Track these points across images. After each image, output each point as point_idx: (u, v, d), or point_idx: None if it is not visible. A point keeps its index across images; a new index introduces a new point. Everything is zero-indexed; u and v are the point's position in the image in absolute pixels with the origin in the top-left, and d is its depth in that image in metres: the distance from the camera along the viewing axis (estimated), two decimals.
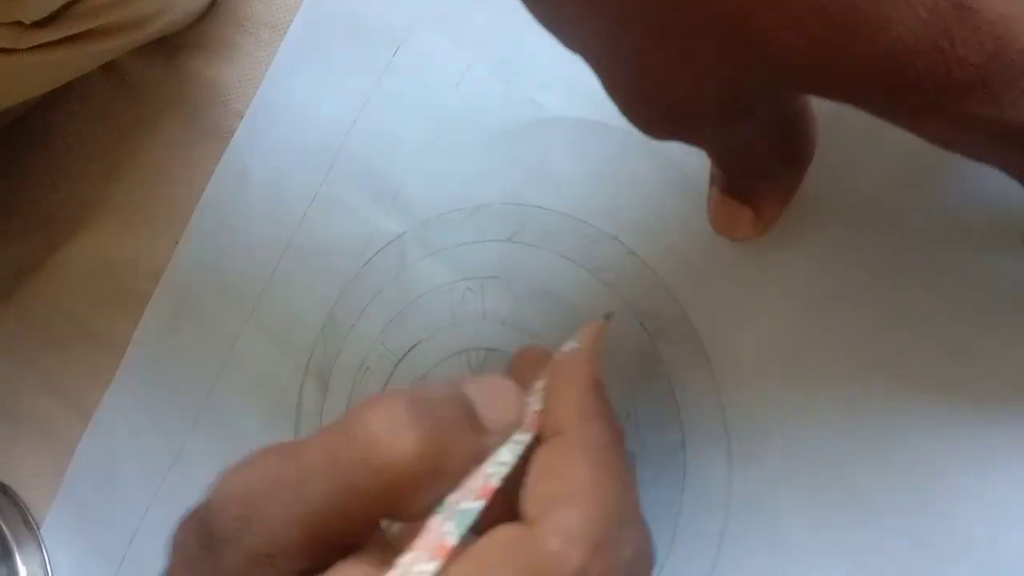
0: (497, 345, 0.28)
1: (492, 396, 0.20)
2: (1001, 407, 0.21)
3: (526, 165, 0.28)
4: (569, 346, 0.22)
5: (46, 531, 0.37)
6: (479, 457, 0.19)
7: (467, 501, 0.18)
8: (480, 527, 0.18)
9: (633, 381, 0.26)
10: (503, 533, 0.18)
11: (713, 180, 0.24)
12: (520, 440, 0.20)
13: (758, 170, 0.22)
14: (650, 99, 0.19)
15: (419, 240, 0.30)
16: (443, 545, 0.17)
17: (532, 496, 0.19)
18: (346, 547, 0.18)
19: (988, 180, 0.22)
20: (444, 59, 0.29)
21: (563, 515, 0.18)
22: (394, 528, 0.19)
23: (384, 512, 0.18)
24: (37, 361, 0.38)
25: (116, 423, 0.36)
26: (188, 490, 0.34)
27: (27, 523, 0.37)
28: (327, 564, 0.18)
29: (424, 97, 0.30)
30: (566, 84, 0.28)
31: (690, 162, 0.25)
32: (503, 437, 0.20)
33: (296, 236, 0.32)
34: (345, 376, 0.30)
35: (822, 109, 0.22)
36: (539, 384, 0.21)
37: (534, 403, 0.21)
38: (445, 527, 0.18)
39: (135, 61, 0.37)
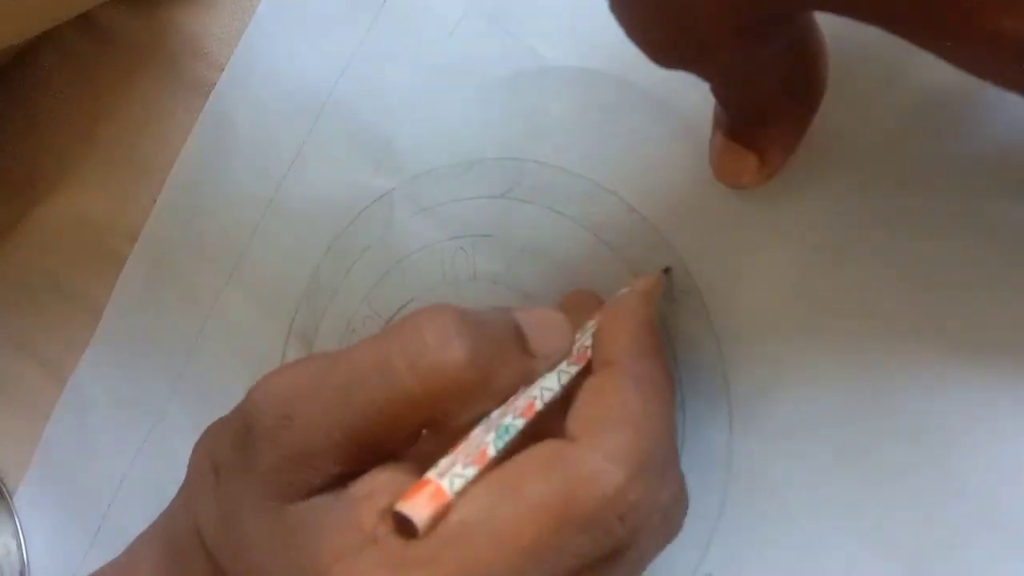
0: (486, 303, 0.27)
1: (542, 324, 0.20)
2: (1014, 367, 0.21)
3: (523, 117, 0.27)
4: (623, 293, 0.22)
5: (19, 499, 0.36)
6: (526, 380, 0.19)
7: (510, 417, 0.18)
8: (520, 447, 0.18)
9: None
10: (545, 446, 0.18)
11: (717, 125, 0.23)
12: (568, 370, 0.20)
13: (765, 109, 0.21)
14: (664, 18, 0.18)
15: (409, 196, 0.29)
16: (483, 454, 0.18)
17: (577, 417, 0.19)
18: (386, 455, 0.18)
19: (1003, 128, 0.22)
20: (438, 5, 0.28)
21: (608, 436, 0.18)
22: (432, 445, 0.19)
23: (428, 420, 0.18)
24: (11, 323, 0.37)
25: (92, 388, 0.35)
26: (166, 457, 0.33)
27: None
28: (365, 470, 0.18)
29: (416, 46, 0.29)
30: (567, 32, 0.26)
31: (693, 113, 0.24)
32: (551, 364, 0.20)
33: (279, 192, 0.31)
34: (330, 338, 0.29)
35: (832, 57, 0.21)
36: (591, 323, 0.21)
37: (585, 339, 0.21)
38: (487, 437, 0.18)
39: (113, 13, 0.36)
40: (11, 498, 0.36)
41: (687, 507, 0.21)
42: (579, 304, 0.22)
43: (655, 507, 0.19)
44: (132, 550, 0.23)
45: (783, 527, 0.22)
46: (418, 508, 0.17)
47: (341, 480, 0.18)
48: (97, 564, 0.24)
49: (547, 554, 0.17)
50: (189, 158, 0.33)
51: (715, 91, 0.21)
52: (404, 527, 0.17)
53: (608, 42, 0.26)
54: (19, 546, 0.36)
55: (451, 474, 0.17)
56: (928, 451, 0.21)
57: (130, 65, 0.35)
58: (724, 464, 0.23)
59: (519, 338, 0.20)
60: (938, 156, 0.22)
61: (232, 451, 0.19)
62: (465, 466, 0.18)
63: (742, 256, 0.24)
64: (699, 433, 0.23)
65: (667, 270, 0.24)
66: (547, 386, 0.19)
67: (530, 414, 0.19)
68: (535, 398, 0.19)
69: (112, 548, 0.31)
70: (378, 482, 0.18)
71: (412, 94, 0.29)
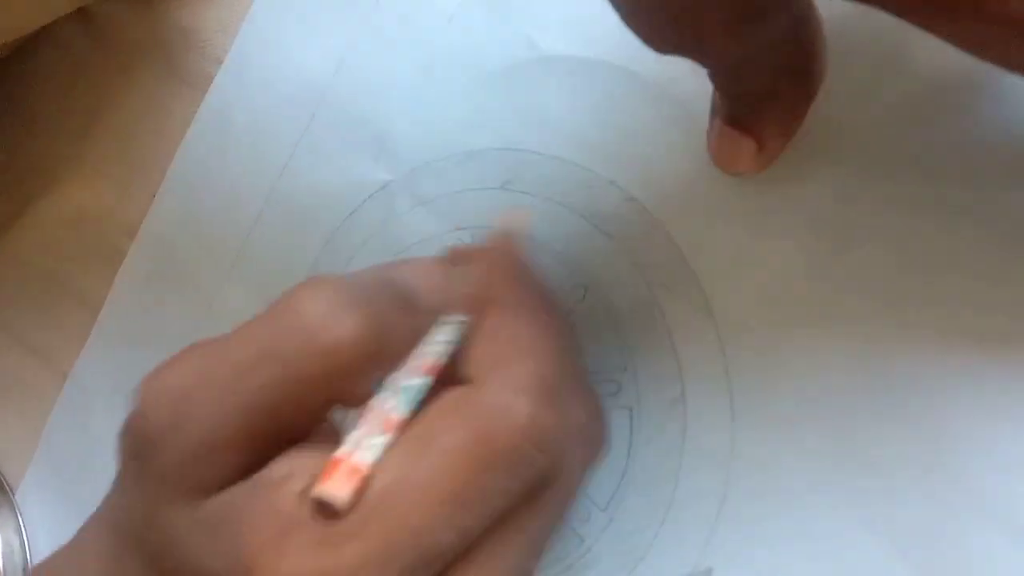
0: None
1: (420, 277, 0.20)
2: (1018, 356, 0.20)
3: (521, 108, 0.27)
4: (490, 234, 0.22)
5: (21, 495, 0.36)
6: (418, 337, 0.19)
7: (411, 378, 0.18)
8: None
9: (631, 333, 0.25)
10: (448, 396, 0.18)
11: (715, 111, 0.23)
12: (459, 319, 0.19)
13: (763, 95, 0.21)
14: (662, 2, 0.18)
15: (407, 189, 0.28)
16: (390, 419, 0.17)
17: (472, 361, 0.19)
18: (292, 439, 0.18)
19: (1003, 113, 0.21)
20: None
21: (507, 370, 0.18)
22: (337, 417, 0.18)
23: (328, 399, 0.18)
24: (11, 320, 0.37)
25: (92, 383, 0.35)
26: None
27: (1, 487, 0.36)
28: (275, 454, 0.18)
29: (413, 37, 0.28)
30: (564, 21, 0.26)
31: (691, 101, 0.24)
32: (436, 316, 0.19)
33: (278, 186, 0.31)
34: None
35: (830, 43, 0.21)
36: (472, 271, 0.20)
37: (467, 287, 0.20)
38: (389, 403, 0.17)
39: (110, 7, 0.35)
40: (13, 494, 0.36)
41: (607, 423, 0.21)
42: (460, 257, 0.22)
43: (571, 429, 0.18)
44: (81, 536, 0.22)
45: (785, 519, 0.22)
46: (337, 488, 0.16)
47: (254, 467, 0.18)
48: None
49: (472, 500, 0.17)
50: (188, 152, 0.33)
51: (713, 77, 0.21)
52: (326, 507, 0.17)
53: (605, 31, 0.26)
54: (22, 542, 0.36)
55: (363, 447, 0.17)
56: (931, 442, 0.21)
57: (127, 59, 0.35)
58: (725, 455, 0.23)
59: (402, 296, 0.19)
60: (937, 142, 0.22)
61: (131, 459, 0.18)
62: (375, 435, 0.17)
63: (742, 244, 0.24)
64: (700, 424, 0.23)
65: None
66: (442, 338, 0.19)
67: (434, 372, 0.18)
68: (433, 353, 0.18)
69: None
70: (294, 462, 0.17)
71: (409, 85, 0.29)
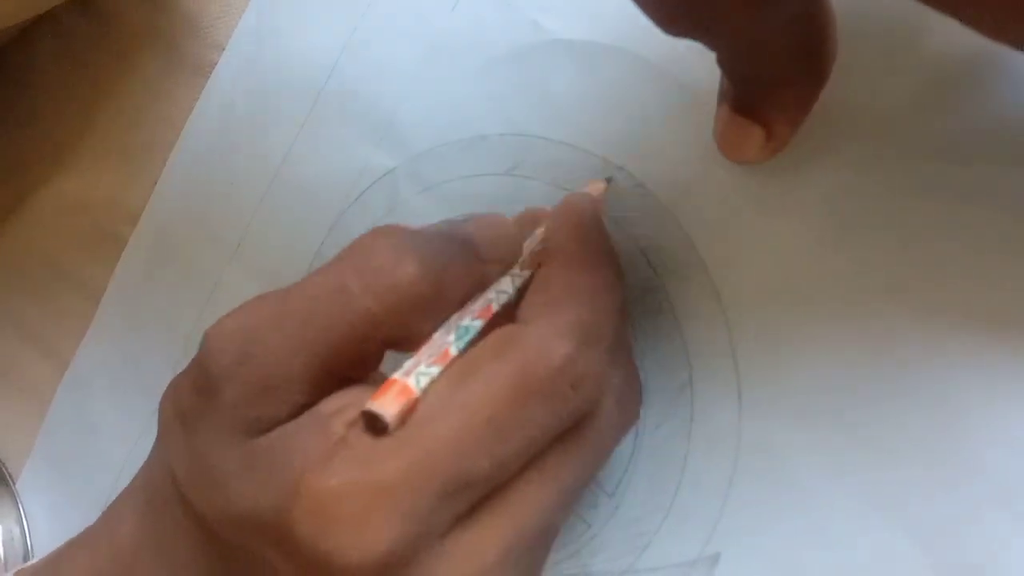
0: None
1: (490, 230, 0.21)
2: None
3: (527, 92, 0.27)
4: (568, 195, 0.23)
5: (22, 485, 0.36)
6: (480, 286, 0.20)
7: (468, 319, 0.19)
8: None
9: (638, 318, 0.24)
10: (497, 333, 0.19)
11: (723, 98, 0.22)
12: (521, 274, 0.21)
13: (773, 80, 0.21)
14: None
15: (412, 174, 0.28)
16: (446, 352, 0.19)
17: (527, 305, 0.20)
18: (349, 381, 0.19)
19: (1014, 98, 0.21)
20: None
21: (554, 315, 0.19)
22: (390, 367, 0.19)
23: (388, 338, 0.19)
24: (11, 309, 0.37)
25: (93, 373, 0.35)
26: None
27: (2, 476, 0.36)
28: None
29: (418, 21, 0.28)
30: (570, 5, 0.26)
31: (699, 86, 0.24)
32: (502, 268, 0.21)
33: (281, 172, 0.30)
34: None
35: (840, 29, 0.21)
36: (539, 229, 0.22)
37: (535, 245, 0.21)
38: (447, 338, 0.19)
39: None
40: (14, 483, 0.36)
41: (641, 397, 0.22)
42: (531, 218, 0.23)
43: (606, 384, 0.19)
44: (113, 507, 0.23)
45: (792, 504, 0.22)
46: (386, 405, 0.17)
47: (307, 411, 0.18)
48: None
49: (508, 426, 0.18)
50: (190, 139, 0.33)
51: (722, 62, 0.21)
52: (374, 428, 0.18)
53: (612, 15, 0.26)
54: (23, 531, 0.36)
55: (416, 373, 0.18)
56: (941, 426, 0.21)
57: (129, 46, 0.35)
58: (733, 440, 0.23)
59: (468, 246, 0.20)
60: (947, 129, 0.22)
61: (194, 396, 0.19)
62: (429, 365, 0.18)
63: (750, 231, 0.24)
64: (708, 409, 0.23)
65: (609, 179, 0.25)
66: (501, 289, 0.20)
67: (487, 315, 0.19)
68: (491, 300, 0.20)
69: None
70: (346, 398, 0.18)
71: (414, 70, 0.28)
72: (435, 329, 0.19)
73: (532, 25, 0.27)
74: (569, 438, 0.19)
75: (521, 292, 0.20)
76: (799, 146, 0.22)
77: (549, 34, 0.26)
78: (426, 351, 0.19)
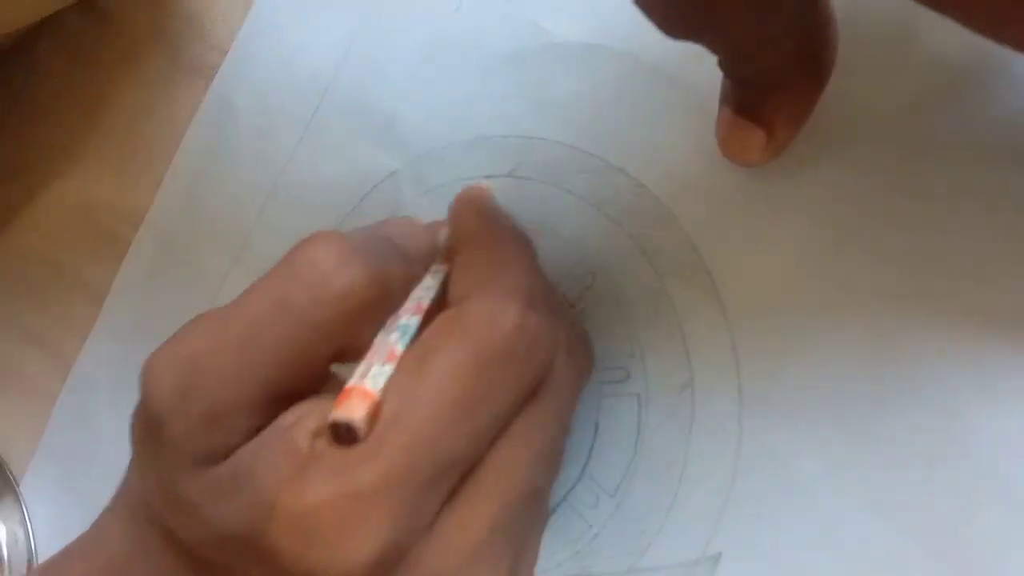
0: None
1: (405, 229, 0.21)
2: None
3: (528, 93, 0.27)
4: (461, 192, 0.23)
5: (26, 486, 0.36)
6: (412, 284, 0.20)
7: (407, 317, 0.19)
8: None
9: (639, 320, 0.24)
10: (440, 318, 0.19)
11: (724, 100, 0.22)
12: (440, 268, 0.21)
13: (774, 82, 0.21)
14: None
15: (414, 177, 0.28)
16: (393, 351, 0.18)
17: (456, 289, 0.20)
18: (299, 396, 0.18)
19: (1015, 98, 0.21)
20: None
21: (491, 285, 0.19)
22: (344, 373, 0.19)
23: (338, 346, 0.18)
24: (14, 310, 0.37)
25: (96, 375, 0.35)
26: None
27: (6, 478, 0.36)
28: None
29: (420, 22, 0.28)
30: (572, 7, 0.26)
31: (700, 87, 0.24)
32: (425, 265, 0.21)
33: (284, 175, 0.30)
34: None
35: (842, 26, 0.21)
36: (444, 228, 0.22)
37: (446, 240, 0.22)
38: (391, 338, 0.19)
39: None
40: (18, 485, 0.36)
41: (590, 345, 0.22)
42: (433, 223, 0.23)
43: (555, 340, 0.19)
44: (101, 519, 0.22)
45: (794, 502, 0.22)
46: (353, 410, 0.17)
47: (262, 430, 0.18)
48: None
49: (475, 402, 0.18)
50: (192, 141, 0.33)
51: (723, 64, 0.21)
52: (342, 436, 0.17)
53: (614, 17, 0.26)
54: (27, 533, 0.36)
55: (371, 375, 0.18)
56: (941, 426, 0.21)
57: (132, 48, 0.35)
58: (734, 439, 0.23)
59: (396, 247, 0.20)
60: (948, 130, 0.22)
61: (143, 431, 0.19)
62: (382, 365, 0.18)
63: (751, 232, 0.24)
64: (708, 409, 0.23)
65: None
66: (427, 285, 0.20)
67: (421, 312, 0.19)
68: (420, 298, 0.20)
69: None
70: (302, 409, 0.18)
71: (416, 72, 0.28)
72: (376, 334, 0.19)
73: (534, 27, 0.27)
74: (533, 400, 0.19)
75: (444, 287, 0.21)
76: (800, 146, 0.23)
77: (550, 36, 0.27)
78: (374, 354, 0.18)
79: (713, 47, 0.20)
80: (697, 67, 0.24)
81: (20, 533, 0.36)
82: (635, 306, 0.24)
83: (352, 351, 0.19)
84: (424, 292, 0.20)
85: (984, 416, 0.20)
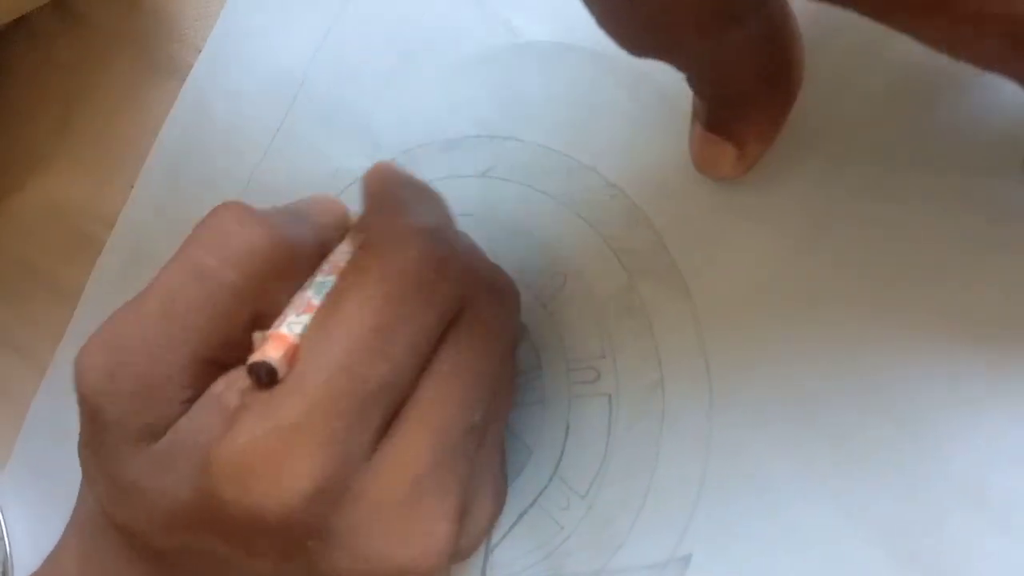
0: None
1: (319, 205, 0.22)
2: (995, 343, 0.20)
3: (501, 94, 0.27)
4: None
5: (1, 490, 0.36)
6: (323, 251, 0.21)
7: (321, 276, 0.20)
8: None
9: (610, 320, 0.24)
10: (347, 263, 0.20)
11: (696, 116, 0.22)
12: (356, 236, 0.21)
13: (742, 100, 0.21)
14: (635, 6, 0.18)
15: None
16: (310, 303, 0.19)
17: (364, 230, 0.20)
18: (227, 367, 0.19)
19: (981, 108, 0.21)
20: None
21: (395, 218, 0.20)
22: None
23: (254, 312, 0.19)
24: None
25: (70, 378, 0.34)
26: None
27: None
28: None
29: (392, 22, 0.28)
30: (544, 7, 0.26)
31: (672, 87, 0.24)
32: (338, 231, 0.21)
33: (257, 174, 0.30)
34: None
35: (807, 44, 0.21)
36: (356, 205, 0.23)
37: (361, 212, 0.23)
38: (307, 294, 0.19)
39: None
40: None
41: (516, 292, 0.22)
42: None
43: (468, 271, 0.20)
44: (58, 544, 0.23)
45: (764, 505, 0.22)
46: (268, 352, 0.18)
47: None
48: None
49: (391, 327, 0.18)
50: (165, 142, 0.32)
51: (691, 82, 0.21)
52: (263, 386, 0.18)
53: (586, 17, 0.25)
54: (2, 534, 0.36)
55: (287, 323, 0.18)
56: (908, 429, 0.21)
57: (104, 48, 0.35)
58: (704, 441, 0.23)
59: (305, 215, 0.21)
60: (917, 141, 0.22)
61: (84, 422, 0.19)
62: (298, 315, 0.19)
63: (722, 232, 0.24)
64: (679, 412, 0.23)
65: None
66: (342, 250, 0.21)
67: (336, 271, 0.20)
68: (337, 260, 0.20)
69: None
70: (229, 379, 0.18)
71: (389, 72, 0.28)
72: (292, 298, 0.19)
73: (506, 27, 0.27)
74: (453, 332, 0.19)
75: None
76: (773, 149, 0.23)
77: (523, 36, 0.26)
78: (291, 308, 0.19)
79: (677, 66, 0.20)
80: (670, 68, 0.24)
81: None
82: (606, 306, 0.24)
83: (271, 317, 0.19)
84: (340, 256, 0.20)
85: (953, 421, 0.20)
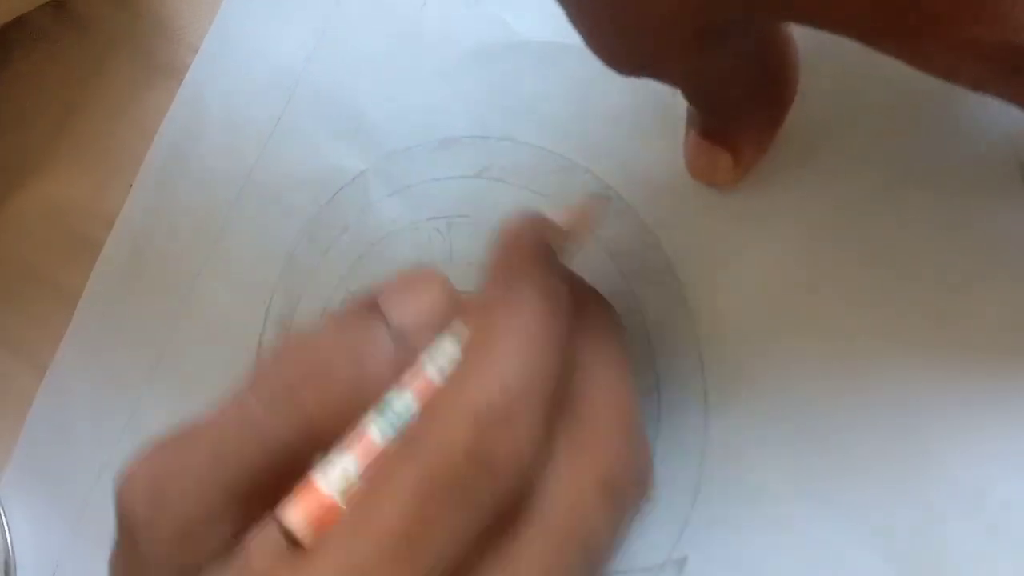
0: (465, 288, 0.26)
1: (405, 291, 0.18)
2: (993, 352, 0.20)
3: (497, 93, 0.27)
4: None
5: (2, 491, 0.36)
6: (404, 359, 0.17)
7: (393, 393, 0.17)
8: None
9: None
10: (413, 423, 0.16)
11: (690, 123, 0.22)
12: (456, 332, 0.17)
13: (736, 109, 0.21)
14: (618, 27, 0.17)
15: (382, 177, 0.28)
16: (371, 443, 0.16)
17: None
18: (283, 493, 0.17)
19: (979, 117, 0.21)
20: None
21: (463, 384, 0.16)
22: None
23: (309, 452, 0.17)
24: None
25: (71, 376, 0.35)
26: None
27: None
28: (261, 517, 0.17)
29: (387, 21, 0.28)
30: (540, 5, 0.26)
31: (670, 90, 0.24)
32: (433, 330, 0.18)
33: (254, 174, 0.30)
34: (307, 322, 0.29)
35: (804, 47, 0.21)
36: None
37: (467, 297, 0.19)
38: (370, 431, 0.16)
39: None
40: None
41: (647, 451, 0.19)
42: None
43: (547, 445, 0.16)
44: None
45: (759, 509, 0.22)
46: (290, 516, 0.16)
47: (247, 530, 0.17)
48: (80, 551, 0.24)
49: (421, 537, 0.15)
50: (163, 142, 0.33)
51: (683, 91, 0.21)
52: (292, 540, 0.16)
53: None
54: (4, 535, 0.36)
55: (330, 476, 0.16)
56: (905, 435, 0.21)
57: (102, 49, 0.35)
58: (699, 447, 0.22)
59: (378, 319, 0.18)
60: (914, 149, 0.22)
61: (123, 546, 0.18)
62: (342, 455, 0.16)
63: (718, 235, 0.23)
64: (674, 416, 0.23)
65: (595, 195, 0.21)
66: (439, 350, 0.17)
67: (419, 392, 0.16)
68: (425, 364, 0.17)
69: (94, 534, 0.31)
70: (266, 531, 0.17)
71: (384, 71, 0.28)
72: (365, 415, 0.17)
73: (501, 26, 0.26)
74: (504, 537, 0.16)
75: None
76: (770, 163, 0.23)
77: (519, 35, 0.26)
78: (349, 442, 0.16)
79: (666, 83, 0.20)
80: None
81: None
82: None
83: (331, 440, 0.17)
84: (430, 359, 0.17)
85: (947, 428, 0.20)
